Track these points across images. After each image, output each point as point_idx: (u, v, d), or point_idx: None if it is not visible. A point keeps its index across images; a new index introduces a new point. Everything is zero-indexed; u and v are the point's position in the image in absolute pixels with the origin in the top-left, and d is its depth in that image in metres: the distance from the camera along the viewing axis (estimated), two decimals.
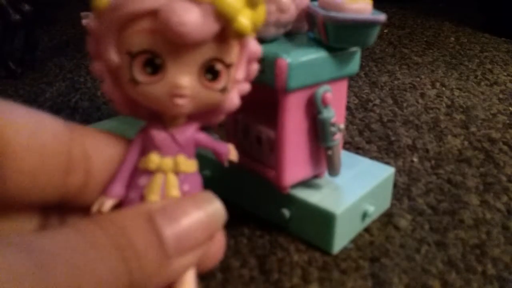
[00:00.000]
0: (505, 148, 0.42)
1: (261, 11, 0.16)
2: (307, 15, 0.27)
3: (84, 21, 0.36)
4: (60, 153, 0.15)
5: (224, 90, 0.17)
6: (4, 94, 0.56)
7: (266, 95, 0.26)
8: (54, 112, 0.50)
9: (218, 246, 0.17)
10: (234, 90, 0.18)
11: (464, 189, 0.35)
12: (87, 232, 0.13)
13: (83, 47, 0.74)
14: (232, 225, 0.30)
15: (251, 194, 0.31)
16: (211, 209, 0.16)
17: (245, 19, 0.15)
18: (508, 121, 0.48)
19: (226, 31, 0.15)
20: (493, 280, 0.26)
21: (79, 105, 0.52)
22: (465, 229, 0.30)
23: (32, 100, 0.54)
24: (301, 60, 0.25)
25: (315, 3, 0.26)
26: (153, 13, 0.14)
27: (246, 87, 0.18)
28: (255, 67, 0.18)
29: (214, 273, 0.26)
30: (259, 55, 0.18)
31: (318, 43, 0.26)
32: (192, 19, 0.14)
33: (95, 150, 0.16)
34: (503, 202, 0.33)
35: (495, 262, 0.27)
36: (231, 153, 0.18)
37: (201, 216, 0.15)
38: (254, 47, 0.18)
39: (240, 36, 0.16)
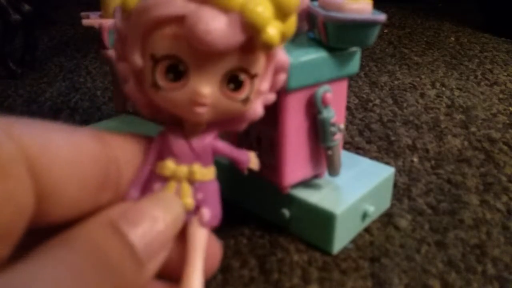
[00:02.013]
0: (505, 148, 0.42)
1: (292, 23, 0.15)
2: (307, 15, 0.27)
3: (84, 21, 0.36)
4: (98, 176, 0.15)
5: (246, 100, 0.16)
6: (4, 94, 0.56)
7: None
8: (54, 112, 0.50)
9: (212, 254, 0.17)
10: (259, 100, 0.17)
11: (464, 189, 0.35)
12: (65, 260, 0.13)
13: (83, 47, 0.74)
14: (232, 225, 0.30)
15: (251, 194, 0.31)
16: (170, 207, 0.16)
17: (273, 31, 0.15)
18: (508, 121, 0.48)
19: (253, 41, 0.15)
20: (493, 280, 0.26)
21: (79, 105, 0.52)
22: (465, 229, 0.30)
23: (32, 100, 0.54)
24: (301, 60, 0.25)
25: (315, 3, 0.26)
26: (180, 19, 0.14)
27: (271, 98, 0.18)
28: (282, 77, 0.18)
29: (214, 273, 0.26)
30: (288, 66, 0.17)
31: (318, 43, 0.26)
32: (218, 28, 0.14)
33: (126, 162, 0.16)
34: (503, 202, 0.33)
35: (495, 262, 0.27)
36: (252, 161, 0.18)
37: (162, 215, 0.15)
38: (282, 57, 0.17)
39: (267, 47, 0.15)
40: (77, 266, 0.13)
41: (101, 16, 0.37)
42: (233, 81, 0.15)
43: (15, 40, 0.63)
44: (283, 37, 0.15)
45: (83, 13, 0.37)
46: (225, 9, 0.14)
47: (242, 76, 0.16)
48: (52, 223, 0.14)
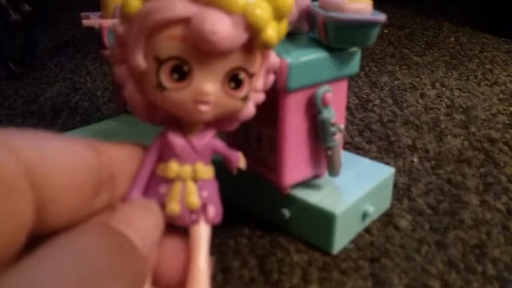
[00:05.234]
0: (505, 148, 0.42)
1: (285, 23, 0.17)
2: (307, 15, 0.27)
3: (84, 22, 0.36)
4: (93, 182, 0.15)
5: (245, 98, 0.17)
6: (4, 94, 0.56)
7: (266, 95, 0.26)
8: (54, 112, 0.50)
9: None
10: (251, 100, 0.18)
11: (464, 189, 0.35)
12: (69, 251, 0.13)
13: (83, 47, 0.74)
14: (232, 225, 0.30)
15: (251, 194, 0.31)
16: (154, 211, 0.16)
17: (272, 31, 0.15)
18: (508, 121, 0.48)
19: (252, 42, 0.16)
20: (493, 280, 0.26)
21: (79, 105, 0.52)
22: (465, 229, 0.30)
23: (32, 100, 0.54)
24: (301, 60, 0.25)
25: (315, 3, 0.26)
26: (185, 21, 0.15)
27: (261, 97, 0.19)
28: (272, 78, 0.19)
29: (215, 273, 0.26)
30: (277, 67, 0.18)
31: (318, 43, 0.26)
32: (224, 29, 0.14)
33: (120, 168, 0.16)
34: (503, 202, 0.33)
35: (495, 262, 0.27)
36: (241, 161, 0.19)
37: (150, 220, 0.16)
38: (274, 58, 0.18)
39: (266, 47, 0.16)
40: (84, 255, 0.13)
41: (101, 16, 0.37)
42: (234, 80, 0.16)
43: (15, 40, 0.63)
44: (279, 37, 0.16)
45: (83, 13, 0.37)
46: (228, 11, 0.15)
47: (242, 75, 0.16)
48: (49, 231, 0.14)
